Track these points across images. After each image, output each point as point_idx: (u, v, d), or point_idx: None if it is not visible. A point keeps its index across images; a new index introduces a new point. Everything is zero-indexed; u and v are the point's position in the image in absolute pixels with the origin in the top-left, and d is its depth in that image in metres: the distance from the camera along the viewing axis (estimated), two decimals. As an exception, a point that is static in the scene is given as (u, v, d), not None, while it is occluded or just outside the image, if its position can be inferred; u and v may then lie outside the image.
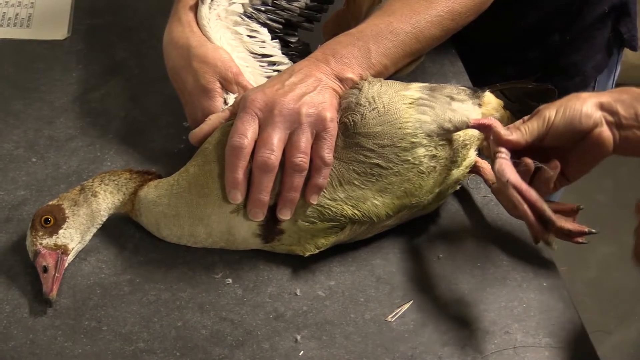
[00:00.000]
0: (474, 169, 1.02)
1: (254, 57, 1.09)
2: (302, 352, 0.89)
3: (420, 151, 0.94)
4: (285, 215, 0.92)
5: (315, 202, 0.93)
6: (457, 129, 0.96)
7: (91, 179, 0.97)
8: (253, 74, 1.07)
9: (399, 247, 1.00)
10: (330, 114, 0.93)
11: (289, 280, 0.96)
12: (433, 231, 1.02)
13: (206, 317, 0.92)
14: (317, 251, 0.95)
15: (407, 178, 0.94)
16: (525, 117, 0.94)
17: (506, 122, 1.02)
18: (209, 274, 0.96)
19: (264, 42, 1.10)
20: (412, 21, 1.00)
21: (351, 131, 0.94)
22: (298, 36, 1.15)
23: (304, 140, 0.92)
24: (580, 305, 1.46)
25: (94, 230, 0.96)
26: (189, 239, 0.96)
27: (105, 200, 0.95)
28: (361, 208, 0.94)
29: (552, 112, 0.90)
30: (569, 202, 1.00)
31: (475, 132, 1.00)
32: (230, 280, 0.96)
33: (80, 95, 1.19)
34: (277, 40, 1.12)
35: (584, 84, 1.34)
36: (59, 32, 1.30)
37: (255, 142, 0.92)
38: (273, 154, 0.90)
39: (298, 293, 0.95)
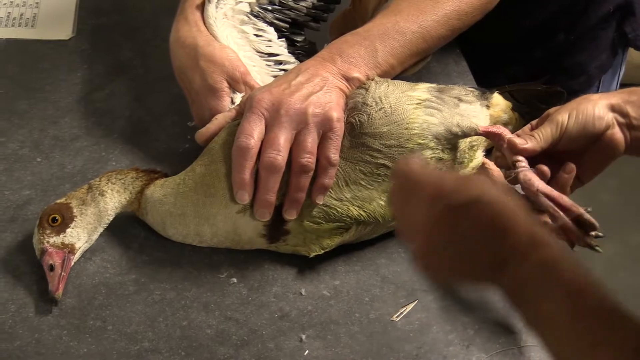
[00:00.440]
0: (482, 171, 1.02)
1: (260, 56, 1.09)
2: (307, 351, 0.89)
3: (427, 153, 0.94)
4: (291, 215, 0.92)
5: (321, 202, 0.93)
6: (465, 134, 0.96)
7: (98, 178, 0.97)
8: (260, 73, 1.07)
9: (404, 246, 1.00)
10: (337, 114, 0.93)
11: (293, 280, 0.96)
12: (438, 231, 1.02)
13: (211, 317, 0.92)
14: (322, 252, 0.95)
15: (413, 178, 0.94)
16: (534, 122, 0.94)
17: (514, 124, 1.02)
18: (214, 274, 0.96)
19: (270, 41, 1.10)
20: (418, 20, 1.00)
21: (357, 131, 0.93)
22: (304, 35, 1.15)
23: (310, 140, 0.91)
24: (585, 305, 1.45)
25: (101, 229, 0.96)
26: (194, 238, 0.96)
27: (113, 199, 0.95)
28: (367, 208, 0.94)
29: (565, 117, 0.90)
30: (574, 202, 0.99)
31: (482, 134, 1.00)
32: (235, 280, 0.96)
33: (85, 95, 1.19)
34: (284, 39, 1.12)
35: (589, 84, 1.34)
36: (64, 32, 1.30)
37: (262, 142, 0.92)
38: (279, 155, 0.90)
39: (303, 293, 0.95)
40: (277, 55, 1.10)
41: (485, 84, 1.07)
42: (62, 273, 0.92)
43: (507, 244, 0.68)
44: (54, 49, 1.27)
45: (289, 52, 1.11)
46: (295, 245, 0.95)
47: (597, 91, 1.34)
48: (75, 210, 0.94)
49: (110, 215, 0.96)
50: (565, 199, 0.87)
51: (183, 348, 0.89)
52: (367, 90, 0.95)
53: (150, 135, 1.13)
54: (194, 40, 1.04)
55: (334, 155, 0.92)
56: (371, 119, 0.93)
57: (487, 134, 0.95)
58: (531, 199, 0.89)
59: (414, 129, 0.94)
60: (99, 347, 0.89)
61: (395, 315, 0.93)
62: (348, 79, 0.96)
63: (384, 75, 0.99)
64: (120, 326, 0.91)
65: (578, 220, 0.87)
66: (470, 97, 0.99)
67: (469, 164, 0.99)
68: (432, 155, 0.94)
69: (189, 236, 0.96)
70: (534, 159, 0.91)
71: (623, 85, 1.19)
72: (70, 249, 0.93)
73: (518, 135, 0.93)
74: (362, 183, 0.93)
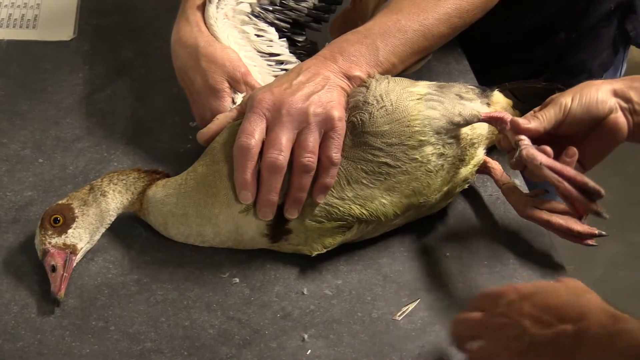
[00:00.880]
0: (484, 169, 1.02)
1: (261, 56, 1.09)
2: (309, 350, 0.89)
3: (429, 149, 0.94)
4: (292, 214, 0.92)
5: (322, 202, 0.93)
6: (468, 122, 0.95)
7: (100, 178, 0.97)
8: (261, 73, 1.07)
9: (405, 245, 1.00)
10: (338, 113, 0.93)
11: (296, 280, 0.96)
12: (440, 229, 1.02)
13: (213, 317, 0.92)
14: (325, 251, 0.95)
15: (415, 177, 0.94)
16: (537, 108, 0.93)
17: (515, 121, 1.02)
18: (216, 274, 0.96)
19: (271, 41, 1.10)
20: (419, 19, 1.00)
21: (359, 130, 0.93)
22: (305, 35, 1.15)
23: (312, 139, 0.91)
24: (588, 304, 1.45)
25: (103, 230, 0.96)
26: (196, 238, 0.96)
27: (114, 199, 0.96)
28: (369, 207, 0.94)
29: (568, 100, 0.90)
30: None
31: (483, 132, 1.00)
32: (237, 280, 0.96)
33: (86, 96, 1.19)
34: (285, 39, 1.12)
35: (590, 83, 1.33)
36: (65, 32, 1.30)
37: (263, 141, 0.92)
38: (281, 155, 0.90)
39: (305, 292, 0.95)
40: (278, 55, 1.10)
41: (487, 83, 1.07)
42: (64, 274, 0.92)
43: None
44: (55, 49, 1.27)
45: (290, 52, 1.11)
46: (297, 244, 0.95)
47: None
48: (76, 211, 0.94)
49: (112, 216, 0.96)
50: (569, 170, 0.87)
51: (185, 348, 0.89)
52: (368, 88, 0.95)
53: (152, 136, 1.13)
54: (195, 41, 1.04)
55: (336, 154, 0.92)
56: (373, 117, 0.93)
57: (489, 119, 0.95)
58: (535, 172, 0.89)
59: (416, 126, 0.93)
60: (101, 347, 0.89)
61: (398, 314, 0.93)
62: (349, 78, 0.96)
63: (385, 73, 0.99)
64: (122, 326, 0.91)
65: (582, 189, 0.87)
66: (470, 94, 0.99)
67: (470, 161, 0.99)
68: (434, 151, 0.94)
69: (191, 236, 0.96)
70: (537, 142, 0.90)
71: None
72: (72, 249, 0.93)
73: (525, 118, 0.93)
74: (364, 182, 0.93)
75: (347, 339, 0.90)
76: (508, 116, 0.93)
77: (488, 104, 1.00)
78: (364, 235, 0.97)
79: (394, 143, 0.93)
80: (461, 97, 0.98)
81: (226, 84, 1.03)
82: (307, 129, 0.92)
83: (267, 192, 0.91)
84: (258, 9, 1.10)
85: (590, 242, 0.97)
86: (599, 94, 0.90)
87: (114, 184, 0.96)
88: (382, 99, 0.94)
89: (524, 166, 0.90)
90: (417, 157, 0.94)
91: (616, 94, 0.90)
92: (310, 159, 0.91)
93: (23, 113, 1.16)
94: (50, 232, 0.92)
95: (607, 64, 1.34)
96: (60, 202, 0.95)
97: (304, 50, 1.13)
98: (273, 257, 0.97)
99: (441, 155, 0.95)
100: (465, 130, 0.97)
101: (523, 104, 1.04)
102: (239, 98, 1.03)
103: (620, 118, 0.90)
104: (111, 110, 1.17)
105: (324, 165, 0.92)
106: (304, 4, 1.14)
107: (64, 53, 1.27)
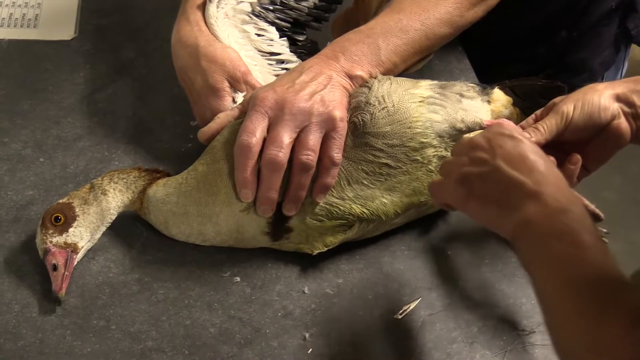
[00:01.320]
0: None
1: (262, 56, 1.09)
2: (310, 349, 0.89)
3: (430, 151, 0.94)
4: (290, 211, 0.92)
5: (322, 201, 0.93)
6: (470, 129, 0.95)
7: (100, 177, 0.97)
8: (261, 72, 1.07)
9: (406, 244, 1.00)
10: (340, 113, 0.92)
11: (297, 279, 0.96)
12: (441, 228, 1.02)
13: (215, 316, 0.92)
14: (326, 249, 0.95)
15: (416, 177, 0.94)
16: (538, 112, 0.93)
17: (515, 119, 1.02)
18: (217, 273, 0.96)
19: (272, 40, 1.10)
20: (421, 18, 1.00)
21: (360, 131, 0.93)
22: (306, 34, 1.15)
23: (312, 138, 0.91)
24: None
25: (104, 228, 0.96)
26: (197, 237, 0.96)
27: (115, 198, 0.96)
28: (369, 207, 0.94)
29: (570, 108, 0.90)
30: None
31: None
32: (238, 279, 0.96)
33: (87, 95, 1.19)
34: (285, 38, 1.12)
35: (592, 81, 1.32)
36: (66, 32, 1.30)
37: (264, 140, 0.92)
38: (281, 152, 0.90)
39: (306, 291, 0.95)
40: (278, 54, 1.10)
41: (488, 81, 1.07)
42: (65, 272, 0.92)
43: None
44: (56, 49, 1.27)
45: (291, 51, 1.11)
46: (298, 243, 0.95)
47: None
48: (77, 210, 0.94)
49: (112, 215, 0.96)
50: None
51: (187, 347, 0.89)
52: (370, 89, 0.95)
53: (153, 135, 1.13)
54: (195, 40, 1.04)
55: (337, 155, 0.92)
56: (374, 118, 0.93)
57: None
58: None
59: (417, 128, 0.93)
60: (102, 346, 0.89)
61: (399, 313, 0.93)
62: (351, 77, 0.96)
63: (387, 73, 0.99)
64: (123, 325, 0.91)
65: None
66: (471, 92, 0.99)
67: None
68: (435, 153, 0.94)
69: (192, 235, 0.96)
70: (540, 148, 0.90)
71: (626, 82, 1.18)
72: (73, 248, 0.93)
73: (522, 127, 0.92)
74: (365, 182, 0.93)
75: (348, 337, 0.90)
76: (511, 125, 0.93)
77: (488, 102, 1.00)
78: (365, 234, 0.97)
79: (395, 144, 0.93)
80: (462, 96, 0.98)
81: (226, 84, 1.03)
82: (309, 127, 0.92)
83: (266, 190, 0.91)
84: (258, 8, 1.10)
85: None
86: (602, 100, 0.89)
87: (115, 183, 0.96)
88: (384, 100, 0.94)
89: None
90: (418, 158, 0.94)
91: (619, 98, 0.90)
92: (309, 156, 0.91)
93: (24, 112, 1.16)
94: (51, 231, 0.92)
95: (609, 62, 1.34)
96: (61, 201, 0.95)
97: (305, 50, 1.13)
98: (274, 256, 0.97)
99: (442, 157, 0.95)
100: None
101: (523, 102, 1.03)
102: (240, 97, 1.03)
103: (623, 124, 0.90)
104: (112, 110, 1.17)
105: (325, 165, 0.92)
106: (304, 4, 1.14)
107: (64, 52, 1.27)
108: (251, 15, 1.10)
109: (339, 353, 0.89)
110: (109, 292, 0.94)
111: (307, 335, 0.90)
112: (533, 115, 0.93)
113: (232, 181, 0.93)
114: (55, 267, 0.92)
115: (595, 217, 0.87)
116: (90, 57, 1.26)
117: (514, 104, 1.03)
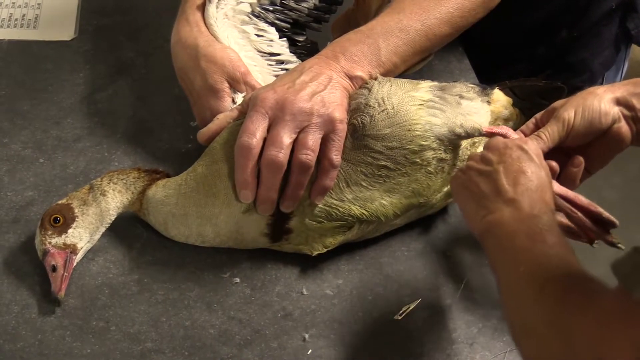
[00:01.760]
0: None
1: (261, 56, 1.09)
2: (310, 350, 0.89)
3: (429, 154, 0.94)
4: (287, 208, 0.92)
5: (320, 203, 0.93)
6: (469, 135, 0.95)
7: (100, 178, 0.97)
8: (261, 73, 1.07)
9: (406, 245, 1.00)
10: (340, 115, 0.92)
11: (296, 279, 0.96)
12: (441, 229, 1.02)
13: (214, 317, 0.92)
14: (325, 250, 0.95)
15: (415, 178, 0.94)
16: (538, 115, 0.93)
17: (515, 119, 1.02)
18: (217, 274, 0.96)
19: (271, 40, 1.10)
20: (421, 19, 1.00)
21: (360, 133, 0.93)
22: (306, 35, 1.15)
23: (312, 139, 0.91)
24: (590, 303, 1.45)
25: (103, 229, 0.96)
26: (197, 238, 0.96)
27: (114, 199, 0.95)
28: (369, 208, 0.94)
29: (571, 114, 0.90)
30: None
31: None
32: (238, 280, 0.96)
33: (87, 96, 1.19)
34: (285, 39, 1.12)
35: (592, 81, 1.33)
36: (66, 32, 1.30)
37: (264, 140, 0.92)
38: (281, 152, 0.90)
39: (306, 292, 0.95)
40: (278, 54, 1.10)
41: (488, 81, 1.07)
42: (65, 273, 0.92)
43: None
44: (56, 49, 1.27)
45: (291, 52, 1.11)
46: (298, 244, 0.95)
47: (600, 87, 1.33)
48: (76, 211, 0.94)
49: (112, 215, 0.96)
50: (581, 199, 0.88)
51: (186, 348, 0.89)
52: (370, 90, 0.95)
53: (153, 136, 1.13)
54: (194, 41, 1.04)
55: (336, 157, 0.92)
56: (374, 120, 0.93)
57: (491, 135, 0.94)
58: None
59: (417, 131, 0.93)
60: (102, 347, 0.89)
61: (399, 314, 0.93)
62: (351, 78, 0.96)
63: (387, 73, 0.99)
64: (123, 326, 0.91)
65: (596, 218, 0.87)
66: (471, 93, 0.99)
67: (470, 161, 0.98)
68: (434, 155, 0.94)
69: (191, 236, 0.96)
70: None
71: (626, 82, 1.18)
72: (72, 249, 0.93)
73: (523, 132, 0.92)
74: (363, 184, 0.93)
75: (348, 338, 0.90)
76: (510, 133, 0.92)
77: (488, 102, 1.00)
78: (365, 235, 0.97)
79: (394, 147, 0.93)
80: (462, 97, 0.97)
81: (226, 84, 1.02)
82: (309, 128, 0.91)
83: (266, 190, 0.91)
84: (258, 9, 1.10)
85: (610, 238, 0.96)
86: (602, 105, 0.89)
87: (114, 184, 0.96)
88: (383, 102, 0.94)
89: None
90: (417, 160, 0.93)
91: (619, 102, 0.90)
92: (308, 156, 0.91)
93: (24, 113, 1.16)
94: (50, 232, 0.92)
95: (609, 62, 1.34)
96: (60, 202, 0.95)
97: (305, 50, 1.13)
98: (274, 257, 0.97)
99: (442, 159, 0.95)
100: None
101: (523, 102, 1.03)
102: (239, 98, 1.03)
103: (623, 127, 0.90)
104: (112, 110, 1.17)
105: (324, 167, 0.92)
106: (304, 4, 1.14)
107: (64, 53, 1.27)
108: (251, 15, 1.10)
109: (338, 354, 0.89)
110: (108, 293, 0.94)
111: (306, 336, 0.90)
112: (533, 119, 0.94)
113: (232, 182, 0.93)
114: (54, 268, 0.92)
115: (610, 224, 0.87)
116: (90, 57, 1.26)
117: (514, 105, 1.03)
